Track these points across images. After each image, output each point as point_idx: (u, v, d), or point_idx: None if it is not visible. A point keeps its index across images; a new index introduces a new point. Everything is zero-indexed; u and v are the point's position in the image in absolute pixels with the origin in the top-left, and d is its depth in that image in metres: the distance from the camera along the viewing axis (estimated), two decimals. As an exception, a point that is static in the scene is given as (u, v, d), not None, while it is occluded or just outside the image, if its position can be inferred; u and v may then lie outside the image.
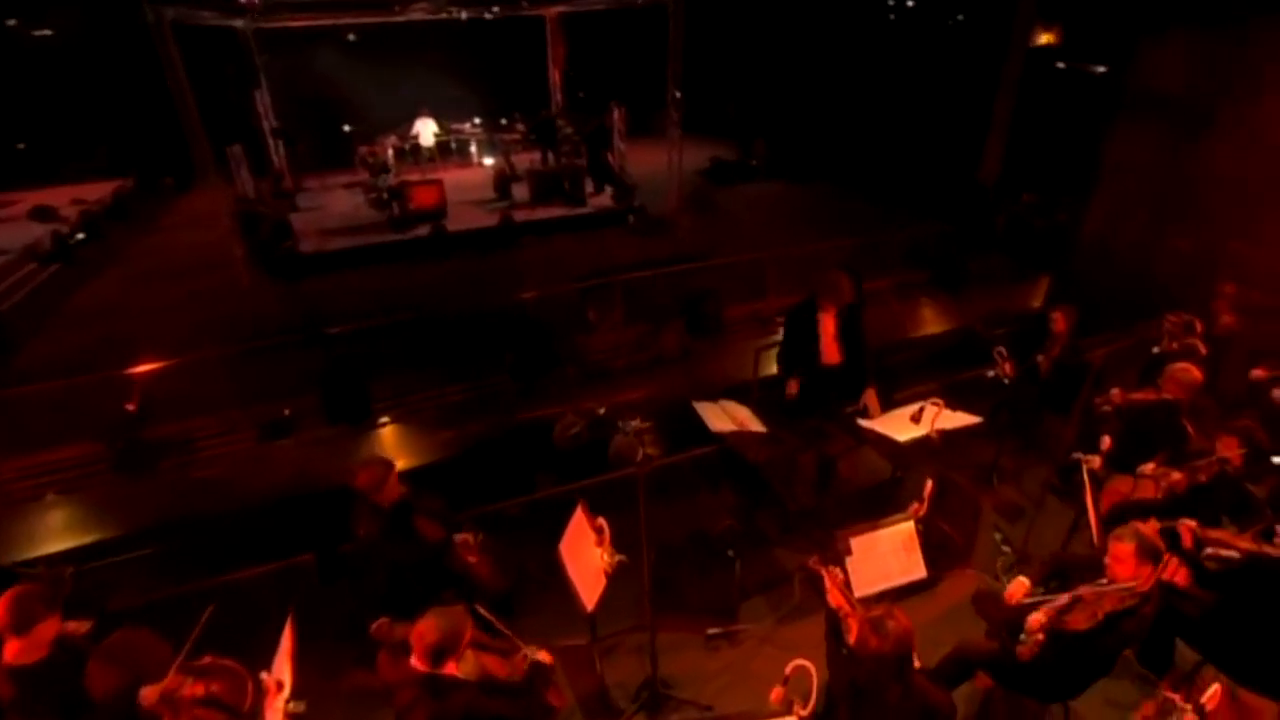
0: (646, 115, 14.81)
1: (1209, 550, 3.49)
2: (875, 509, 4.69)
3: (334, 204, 12.18)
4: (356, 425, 6.83)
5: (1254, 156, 8.10)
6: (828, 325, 4.56)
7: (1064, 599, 3.21)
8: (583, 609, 3.32)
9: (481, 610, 3.08)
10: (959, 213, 11.06)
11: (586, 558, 3.35)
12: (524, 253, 10.50)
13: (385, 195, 11.04)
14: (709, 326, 8.32)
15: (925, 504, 3.49)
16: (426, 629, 2.58)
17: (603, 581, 3.20)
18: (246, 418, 6.60)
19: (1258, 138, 7.98)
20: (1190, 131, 8.48)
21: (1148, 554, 3.03)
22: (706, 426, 4.28)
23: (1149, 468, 4.27)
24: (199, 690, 2.55)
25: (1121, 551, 3.07)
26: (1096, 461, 3.98)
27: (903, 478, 4.80)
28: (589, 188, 12.40)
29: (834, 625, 3.11)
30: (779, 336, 8.06)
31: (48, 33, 14.62)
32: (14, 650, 2.61)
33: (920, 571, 3.50)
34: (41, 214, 11.63)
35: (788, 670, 2.56)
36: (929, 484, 3.51)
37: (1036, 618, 3.14)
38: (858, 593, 3.27)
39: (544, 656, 2.96)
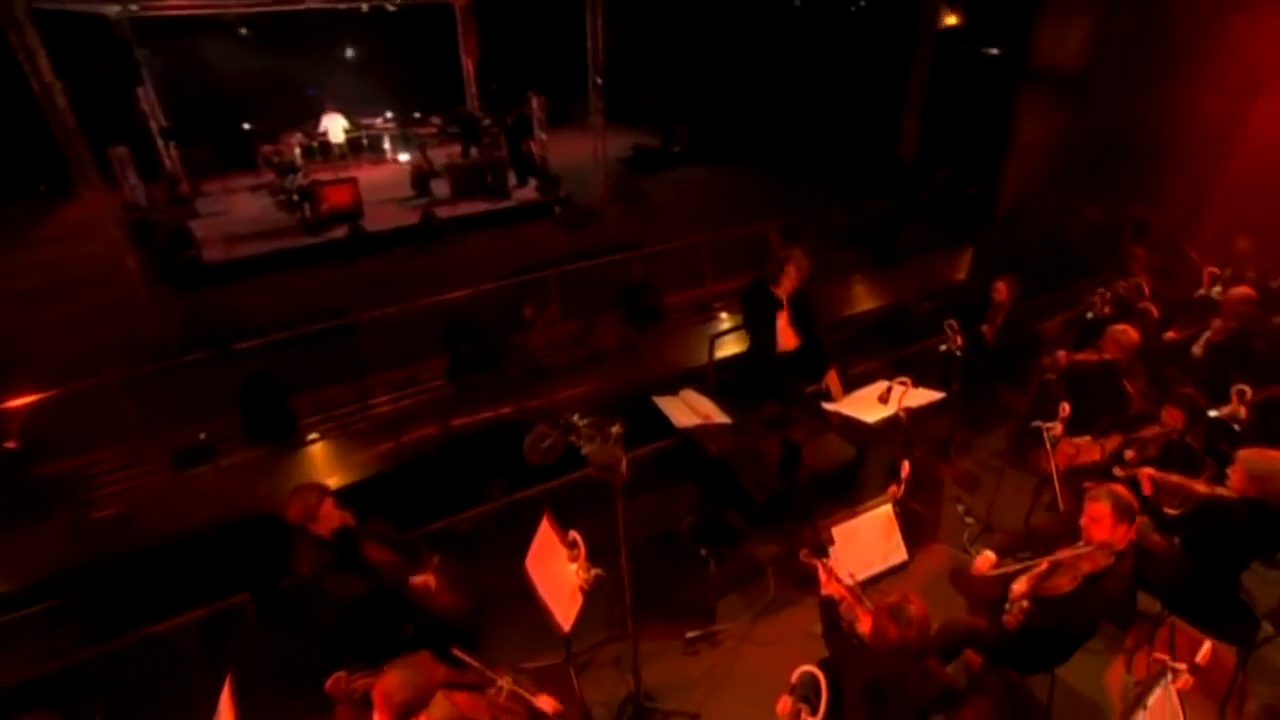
0: (562, 105, 14.50)
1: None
2: (840, 492, 4.66)
3: (238, 208, 11.30)
4: (282, 444, 6.30)
5: (1149, 127, 8.59)
6: (782, 312, 4.44)
7: (1043, 565, 3.21)
8: (558, 629, 3.08)
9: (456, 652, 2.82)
10: (882, 190, 11.29)
11: (558, 574, 3.11)
12: (449, 250, 10.04)
13: (295, 197, 10.31)
14: (649, 316, 8.15)
15: (903, 485, 3.41)
16: (392, 687, 2.27)
17: (579, 599, 2.97)
18: (156, 446, 5.97)
19: (1153, 109, 8.45)
20: (1089, 105, 8.89)
21: (1123, 513, 3.05)
22: (669, 421, 4.09)
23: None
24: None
25: (1098, 512, 3.08)
26: (1058, 428, 4.02)
27: (864, 459, 4.76)
28: (512, 180, 12.01)
29: (831, 619, 2.99)
30: (722, 322, 8.07)
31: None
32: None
33: (902, 554, 3.43)
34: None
35: (794, 677, 2.40)
36: (905, 465, 3.43)
37: (1019, 586, 3.13)
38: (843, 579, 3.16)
39: (546, 705, 2.72)
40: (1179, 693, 2.72)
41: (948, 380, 5.11)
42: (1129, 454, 4.14)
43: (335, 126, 12.51)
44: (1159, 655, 2.81)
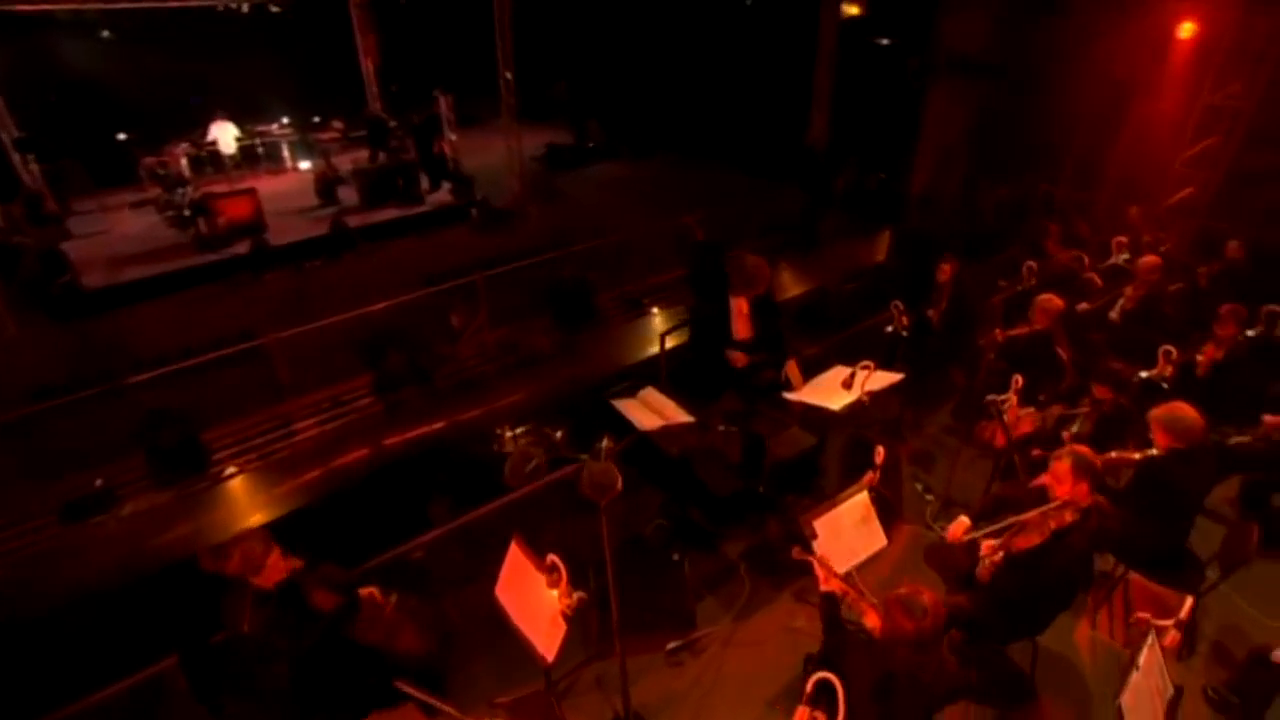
0: (467, 104, 13.99)
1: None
2: (803, 481, 4.60)
3: (120, 227, 10.23)
4: (194, 482, 5.71)
5: (1046, 110, 9.11)
6: (740, 304, 4.33)
7: (1010, 523, 3.27)
8: (540, 661, 2.84)
9: (412, 691, 2.54)
10: (798, 178, 11.48)
11: (535, 601, 2.86)
12: (363, 260, 9.47)
13: (187, 212, 9.45)
14: (582, 316, 7.94)
15: (879, 471, 3.37)
16: None
17: (561, 626, 2.74)
18: (42, 499, 5.28)
19: (1049, 94, 8.95)
20: (994, 91, 9.33)
21: (1084, 470, 3.14)
22: (628, 424, 3.90)
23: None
24: None
25: (1060, 470, 3.19)
26: (1012, 400, 4.10)
27: (822, 445, 4.72)
28: (424, 184, 11.48)
29: (832, 616, 2.89)
30: (655, 316, 7.94)
31: None
32: None
33: (881, 541, 3.38)
34: None
35: (809, 685, 2.28)
36: (880, 450, 3.38)
37: (989, 543, 3.18)
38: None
39: None
40: (1164, 649, 2.79)
41: (893, 361, 5.16)
42: (1065, 434, 4.31)
43: (226, 135, 11.58)
44: (1141, 615, 2.88)
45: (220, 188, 10.21)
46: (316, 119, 13.05)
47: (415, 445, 6.15)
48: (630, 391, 4.17)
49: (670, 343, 4.88)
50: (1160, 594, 3.88)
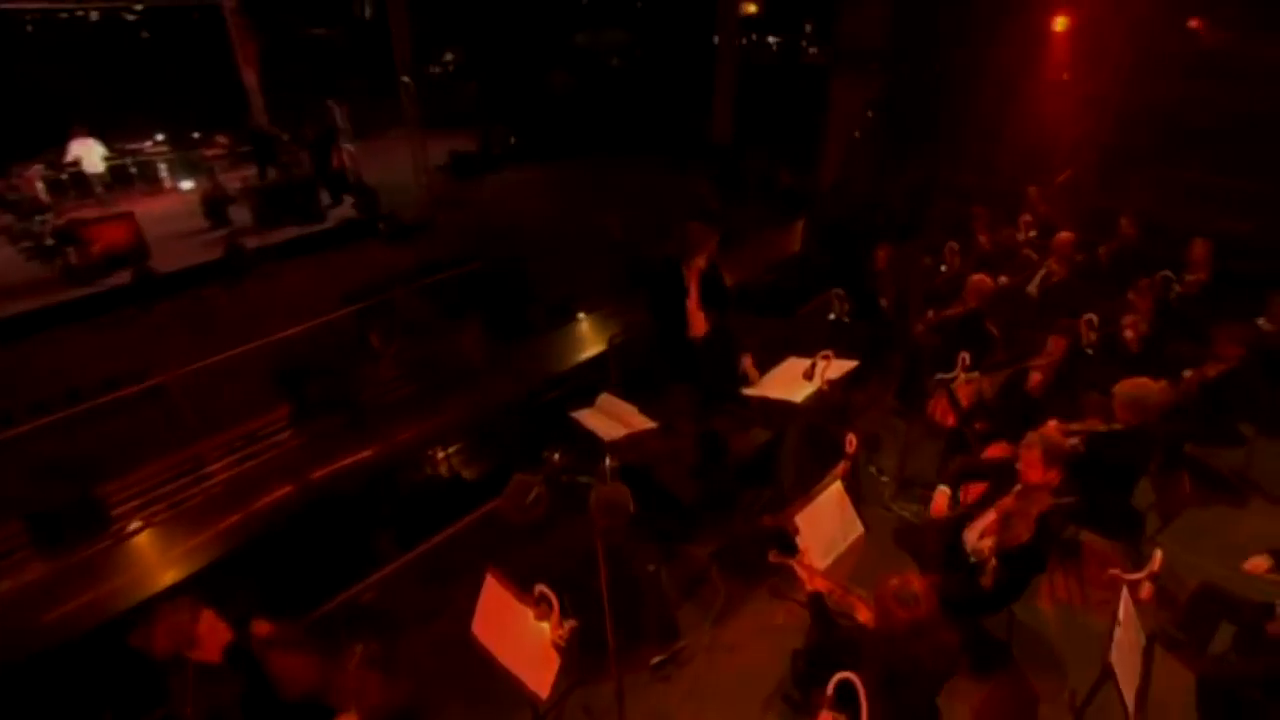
0: (362, 113, 13.35)
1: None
2: (765, 476, 4.56)
3: (-38, 263, 9.07)
4: (91, 544, 5.09)
5: (951, 98, 9.59)
6: (691, 294, 4.23)
7: (990, 516, 3.31)
8: (534, 698, 2.63)
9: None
10: (708, 174, 11.59)
11: (521, 634, 2.65)
12: (265, 284, 8.79)
13: (50, 241, 8.47)
14: (512, 325, 7.67)
15: (850, 460, 3.35)
16: None
17: (555, 658, 2.55)
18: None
19: (953, 81, 9.43)
20: (894, 81, 9.73)
21: (1054, 456, 3.20)
22: (594, 437, 3.72)
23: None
24: None
25: (1031, 458, 3.22)
26: (960, 378, 4.20)
27: (779, 439, 4.70)
28: (324, 200, 10.82)
29: (822, 614, 2.83)
30: (579, 323, 7.75)
31: None
32: None
33: (858, 528, 3.36)
34: None
35: (829, 688, 2.19)
36: (851, 438, 3.37)
37: (984, 545, 3.18)
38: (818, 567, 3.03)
39: None
40: (1142, 601, 2.91)
41: (837, 348, 5.22)
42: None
43: (91, 154, 10.45)
44: (1113, 571, 2.98)
45: (90, 213, 9.23)
46: (196, 135, 12.07)
47: (345, 477, 5.76)
48: (587, 401, 3.99)
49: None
50: (1109, 552, 4.09)
